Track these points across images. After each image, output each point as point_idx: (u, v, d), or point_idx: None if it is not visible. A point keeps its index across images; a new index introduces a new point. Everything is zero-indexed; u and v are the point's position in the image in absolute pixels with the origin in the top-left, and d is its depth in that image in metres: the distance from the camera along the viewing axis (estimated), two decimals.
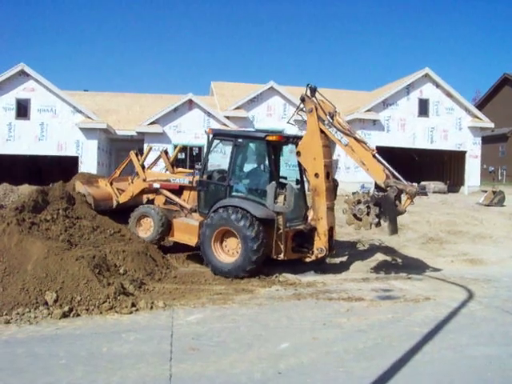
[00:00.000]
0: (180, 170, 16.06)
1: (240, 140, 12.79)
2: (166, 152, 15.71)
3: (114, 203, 15.45)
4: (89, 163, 28.13)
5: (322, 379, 6.12)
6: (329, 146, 12.38)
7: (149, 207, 14.25)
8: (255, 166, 13.32)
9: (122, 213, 14.90)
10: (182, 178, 14.33)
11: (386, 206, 11.15)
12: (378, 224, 11.47)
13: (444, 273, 12.74)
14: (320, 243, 12.11)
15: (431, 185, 30.17)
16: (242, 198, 12.38)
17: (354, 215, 11.63)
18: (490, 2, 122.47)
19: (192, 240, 12.91)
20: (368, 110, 30.18)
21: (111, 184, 15.71)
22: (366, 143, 12.01)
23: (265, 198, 11.82)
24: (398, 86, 31.08)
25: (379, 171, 11.46)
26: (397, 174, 11.49)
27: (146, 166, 15.43)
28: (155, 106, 32.62)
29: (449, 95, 31.04)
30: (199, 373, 6.20)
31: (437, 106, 31.04)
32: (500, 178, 44.80)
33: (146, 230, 14.07)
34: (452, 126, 31.09)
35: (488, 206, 23.99)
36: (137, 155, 15.29)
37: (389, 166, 11.58)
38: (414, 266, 13.39)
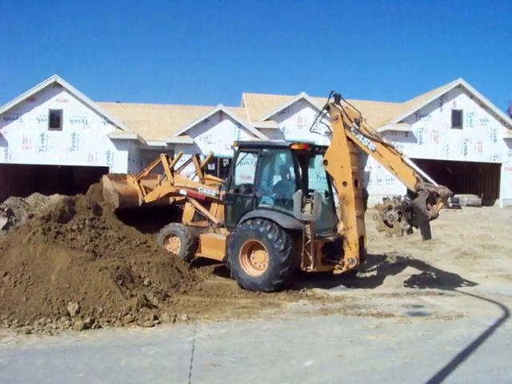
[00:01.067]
0: (210, 176, 15.76)
1: (265, 150, 12.65)
2: (197, 156, 15.49)
3: (140, 201, 15.37)
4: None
5: None
6: (356, 153, 12.17)
7: (177, 226, 14.02)
8: (282, 175, 13.07)
9: (146, 215, 14.94)
10: (209, 189, 14.07)
11: (417, 211, 10.82)
12: (410, 230, 11.15)
13: (478, 289, 12.28)
14: (351, 253, 11.77)
15: (465, 198, 29.59)
16: (269, 209, 12.13)
17: (385, 222, 11.36)
18: None
19: (219, 255, 12.72)
20: (400, 122, 29.86)
21: (139, 182, 15.65)
22: (394, 147, 11.75)
23: (292, 209, 11.55)
24: (431, 97, 30.68)
25: (409, 175, 11.21)
26: (427, 176, 11.17)
27: (176, 171, 15.34)
28: (186, 117, 32.68)
29: (483, 106, 30.50)
30: None
31: (471, 118, 30.52)
32: None
33: (174, 248, 13.74)
34: (486, 138, 30.52)
35: None
36: (167, 158, 15.20)
37: (419, 170, 11.31)
38: (447, 282, 12.95)
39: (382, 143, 11.59)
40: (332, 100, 12.21)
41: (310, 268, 11.71)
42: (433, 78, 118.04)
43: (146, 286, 10.57)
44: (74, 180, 32.93)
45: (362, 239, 11.98)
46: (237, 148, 13.04)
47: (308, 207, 11.30)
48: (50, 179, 30.74)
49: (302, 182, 12.33)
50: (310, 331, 8.52)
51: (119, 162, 28.63)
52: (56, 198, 19.49)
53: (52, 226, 11.92)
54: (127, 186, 15.60)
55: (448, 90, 30.39)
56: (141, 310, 8.95)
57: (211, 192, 13.91)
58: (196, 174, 15.20)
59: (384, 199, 11.68)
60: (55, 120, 28.71)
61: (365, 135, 11.67)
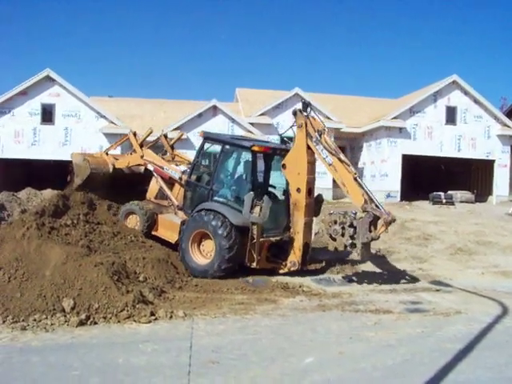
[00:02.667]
0: (179, 153, 17.13)
1: (227, 147, 13.19)
2: (165, 136, 17.12)
3: (110, 167, 16.00)
4: None
5: None
6: (314, 162, 12.54)
7: (136, 205, 14.58)
8: (240, 173, 13.51)
9: (120, 188, 15.44)
10: (173, 170, 14.59)
11: (360, 230, 11.18)
12: (353, 246, 11.48)
13: (475, 285, 12.23)
14: (294, 257, 12.32)
15: (458, 194, 29.54)
16: (223, 204, 12.60)
17: (330, 235, 11.85)
18: None
19: (173, 237, 13.45)
20: (394, 118, 29.74)
21: (107, 154, 16.61)
22: (350, 165, 12.00)
23: (243, 207, 11.95)
24: (425, 93, 30.59)
25: (358, 194, 11.47)
26: (376, 200, 11.49)
27: (144, 147, 15.94)
28: (179, 112, 32.45)
29: (477, 102, 30.45)
30: None
31: (465, 114, 30.47)
32: None
33: (133, 225, 14.36)
34: (480, 135, 30.46)
35: None
36: (135, 135, 16.07)
37: (369, 191, 11.63)
38: (443, 278, 12.93)
39: (339, 159, 11.83)
40: (301, 107, 12.49)
41: (254, 265, 12.17)
42: (427, 74, 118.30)
43: (141, 282, 10.44)
44: (66, 175, 32.69)
45: (306, 245, 12.43)
46: (202, 138, 13.61)
47: (257, 209, 11.67)
48: (43, 174, 30.46)
49: (257, 183, 12.83)
50: (309, 328, 8.45)
51: None
52: (48, 193, 19.34)
53: (46, 221, 11.80)
54: (96, 157, 16.57)
55: (442, 86, 30.30)
56: (137, 306, 8.81)
57: (175, 174, 14.44)
58: (166, 152, 16.42)
59: (330, 214, 12.11)
60: (47, 114, 28.39)
61: (324, 147, 11.92)
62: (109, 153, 16.87)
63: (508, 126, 30.82)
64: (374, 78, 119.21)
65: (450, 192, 29.24)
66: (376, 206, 11.26)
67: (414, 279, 12.67)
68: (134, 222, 14.37)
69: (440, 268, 14.10)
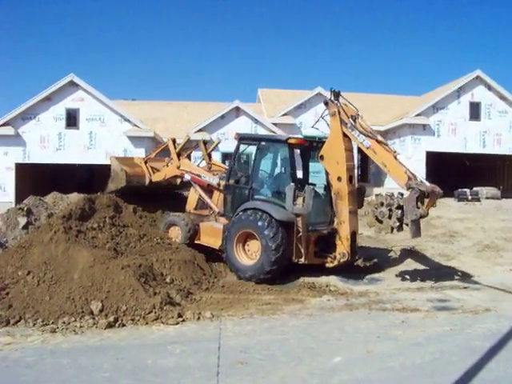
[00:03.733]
0: (216, 162, 16.76)
1: (263, 143, 13.03)
2: (204, 142, 16.28)
3: (147, 180, 15.86)
4: None
5: None
6: (351, 149, 12.43)
7: (178, 216, 14.30)
8: (278, 168, 13.26)
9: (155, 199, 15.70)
10: (211, 177, 14.29)
11: (407, 208, 10.88)
12: (400, 228, 11.34)
13: (504, 282, 12.06)
14: (342, 248, 11.98)
15: (483, 190, 29.13)
16: (265, 201, 12.45)
17: (376, 217, 11.78)
18: None
19: (217, 243, 13.16)
20: (418, 115, 29.47)
21: (146, 163, 16.17)
22: (388, 145, 11.93)
23: (286, 201, 11.76)
24: (448, 89, 30.25)
25: (401, 173, 11.22)
26: (419, 176, 11.32)
27: (182, 155, 15.78)
28: (202, 114, 32.56)
29: (502, 98, 30.01)
30: None
31: (489, 110, 30.07)
32: None
33: (175, 237, 14.04)
34: (505, 130, 30.01)
35: None
36: (174, 143, 15.55)
37: (410, 169, 11.40)
38: (471, 275, 12.78)
39: (377, 140, 11.67)
40: (331, 97, 12.33)
41: (302, 260, 11.96)
42: (450, 70, 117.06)
43: (168, 284, 10.54)
44: (91, 178, 32.98)
45: (354, 234, 12.13)
46: (237, 140, 13.40)
47: (300, 200, 11.45)
48: (68, 178, 30.75)
49: (296, 176, 12.47)
50: (336, 327, 8.42)
51: None
52: (75, 197, 19.44)
53: (73, 225, 11.94)
54: (134, 166, 16.20)
55: (465, 81, 29.96)
56: (164, 307, 8.90)
57: (213, 180, 14.15)
58: (203, 159, 15.98)
59: (376, 195, 12.00)
60: (72, 119, 28.61)
61: (360, 132, 11.77)
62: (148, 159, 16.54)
63: None
64: (397, 76, 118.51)
65: (475, 188, 28.86)
66: (420, 181, 11.04)
67: (442, 277, 12.52)
68: (176, 234, 14.06)
69: (467, 265, 13.92)
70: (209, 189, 14.35)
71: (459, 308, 9.69)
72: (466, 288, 11.48)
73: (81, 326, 8.19)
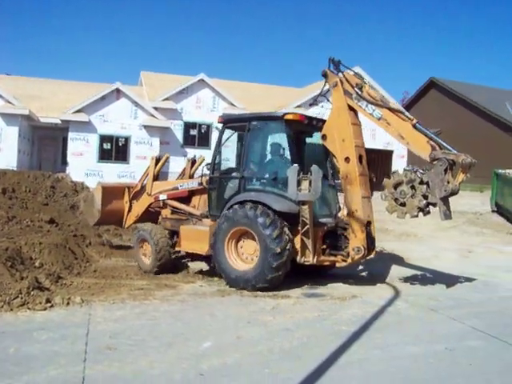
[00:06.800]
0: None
1: (254, 123, 10.94)
2: (193, 162, 13.23)
3: (124, 224, 13.54)
4: (8, 151, 26.96)
5: (245, 381, 5.82)
6: (359, 124, 10.79)
7: (144, 230, 12.05)
8: (275, 150, 11.26)
9: None
10: (190, 181, 12.42)
11: (434, 184, 9.33)
12: (428, 206, 9.62)
13: (370, 270, 12.79)
14: (356, 241, 10.17)
15: None
16: (260, 191, 10.59)
17: (396, 200, 9.87)
18: (420, 12, 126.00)
19: (203, 248, 11.02)
20: (298, 107, 30.20)
21: (131, 202, 13.26)
22: (404, 112, 10.37)
23: (286, 189, 10.05)
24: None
25: (422, 143, 9.69)
26: (444, 143, 9.66)
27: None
28: (81, 94, 31.51)
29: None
30: (115, 374, 5.78)
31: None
32: None
33: (148, 256, 11.85)
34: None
35: None
36: (157, 162, 13.08)
37: (434, 136, 9.85)
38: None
39: (389, 109, 10.21)
40: (331, 67, 10.91)
41: (309, 260, 10.25)
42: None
43: (37, 268, 10.15)
44: None
45: (369, 224, 10.38)
46: (222, 124, 11.47)
47: (305, 184, 9.69)
48: None
49: (297, 159, 10.65)
50: (207, 313, 8.48)
51: (8, 139, 27.32)
52: None
53: None
54: (118, 204, 13.30)
55: None
56: (32, 292, 8.50)
57: (193, 183, 12.22)
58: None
59: (393, 173, 10.24)
60: None
61: (368, 101, 10.26)
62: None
63: None
64: (280, 67, 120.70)
65: None
66: (448, 150, 9.52)
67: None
68: (149, 253, 11.82)
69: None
70: (188, 196, 12.39)
71: (327, 295, 10.05)
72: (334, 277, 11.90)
73: None
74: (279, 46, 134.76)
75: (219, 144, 11.35)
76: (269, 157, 11.38)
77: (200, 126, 30.84)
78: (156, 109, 29.76)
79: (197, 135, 30.83)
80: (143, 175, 13.27)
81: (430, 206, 9.60)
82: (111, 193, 13.08)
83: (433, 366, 6.45)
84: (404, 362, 6.61)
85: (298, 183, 9.63)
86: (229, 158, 12.62)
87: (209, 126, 30.78)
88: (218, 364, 6.26)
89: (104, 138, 28.60)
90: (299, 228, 10.04)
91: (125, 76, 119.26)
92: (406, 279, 11.90)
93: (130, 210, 13.14)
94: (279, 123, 10.71)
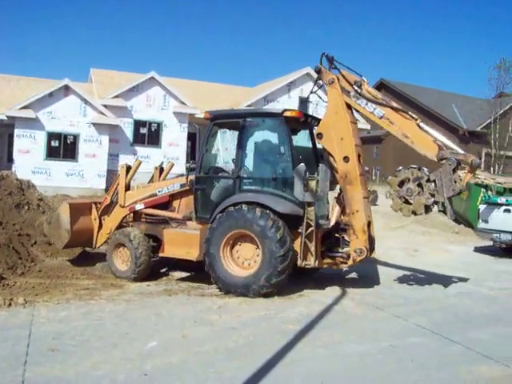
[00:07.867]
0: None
1: (250, 119, 10.41)
2: (161, 169, 12.67)
3: (94, 245, 12.35)
4: None
5: (190, 380, 5.80)
6: (356, 122, 10.61)
7: (121, 233, 11.30)
8: (274, 149, 10.80)
9: None
10: (170, 184, 11.56)
11: (443, 184, 9.33)
12: (435, 204, 9.96)
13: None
14: (358, 243, 9.90)
15: None
16: (258, 192, 10.07)
17: (401, 198, 9.98)
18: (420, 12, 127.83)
19: (192, 254, 10.37)
20: (248, 105, 30.24)
21: (100, 218, 12.13)
22: (407, 112, 10.02)
23: (286, 190, 9.85)
24: (280, 83, 31.48)
25: (428, 142, 9.58)
26: (450, 143, 9.85)
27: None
28: (28, 89, 30.71)
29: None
30: (57, 376, 5.67)
31: (316, 106, 31.67)
32: (374, 177, 46.58)
33: (125, 261, 11.17)
34: None
35: None
36: (128, 170, 11.98)
37: (439, 136, 9.92)
38: None
39: (392, 108, 9.99)
40: (324, 63, 10.53)
41: (311, 263, 9.92)
42: (284, 64, 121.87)
43: None
44: None
45: (369, 225, 10.17)
46: (209, 121, 10.82)
47: (313, 184, 9.53)
48: None
49: (297, 157, 10.13)
50: (153, 312, 8.43)
51: None
52: None
53: None
54: (86, 222, 12.12)
55: (296, 77, 31.33)
56: None
57: (174, 186, 11.44)
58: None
59: (397, 171, 10.25)
60: None
61: (369, 100, 10.02)
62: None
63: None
64: (230, 66, 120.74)
65: None
66: (454, 150, 9.60)
67: None
68: (126, 258, 11.12)
69: None
70: (168, 200, 11.65)
71: (275, 294, 10.09)
72: None
73: None
74: (279, 46, 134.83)
75: (206, 142, 10.82)
76: (266, 156, 10.92)
77: (150, 124, 30.50)
78: (106, 106, 29.26)
79: (147, 133, 30.49)
80: (111, 188, 12.33)
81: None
82: (78, 210, 11.94)
83: (376, 363, 6.56)
84: (349, 359, 6.69)
85: (306, 184, 9.43)
86: (217, 157, 11.94)
87: (159, 125, 30.49)
88: (162, 364, 6.23)
89: (52, 136, 27.98)
90: (300, 230, 9.72)
91: (75, 73, 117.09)
92: (353, 278, 12.08)
93: (100, 228, 12.09)
94: (278, 120, 10.24)
